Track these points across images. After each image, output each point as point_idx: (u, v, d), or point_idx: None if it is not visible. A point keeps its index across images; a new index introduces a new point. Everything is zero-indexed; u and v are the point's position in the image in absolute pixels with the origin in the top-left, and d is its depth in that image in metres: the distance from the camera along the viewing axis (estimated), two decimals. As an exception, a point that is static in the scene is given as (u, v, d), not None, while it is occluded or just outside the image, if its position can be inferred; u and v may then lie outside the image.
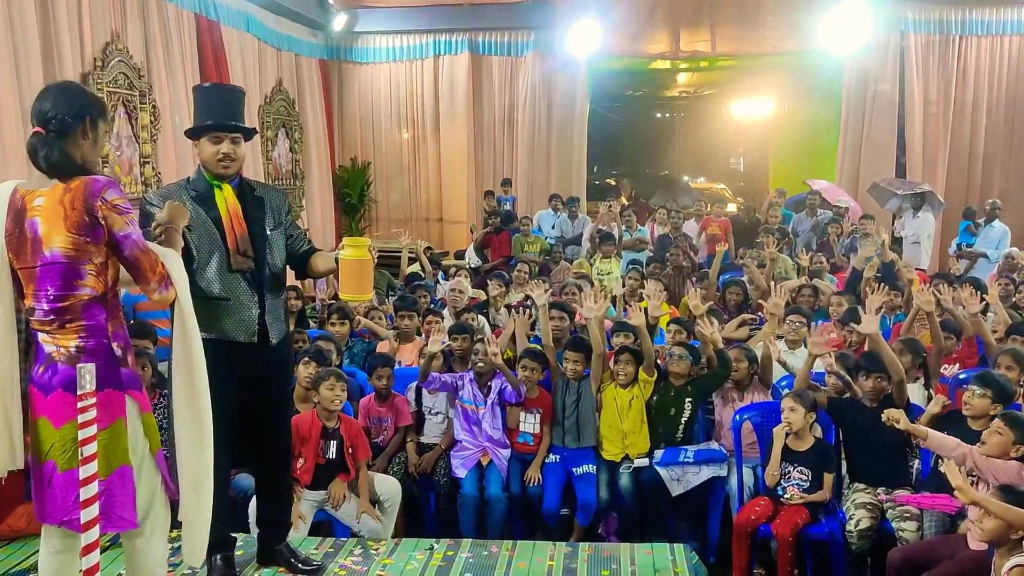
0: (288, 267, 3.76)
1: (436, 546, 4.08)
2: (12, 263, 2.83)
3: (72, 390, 2.73)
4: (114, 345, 2.82)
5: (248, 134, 3.57)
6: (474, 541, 4.22)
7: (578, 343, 5.40)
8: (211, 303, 3.42)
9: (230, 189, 3.52)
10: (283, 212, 3.69)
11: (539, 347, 5.62)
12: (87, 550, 2.30)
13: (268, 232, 3.57)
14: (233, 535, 3.86)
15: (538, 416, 5.24)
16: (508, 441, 5.21)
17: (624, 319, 6.30)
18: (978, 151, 12.69)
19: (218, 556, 3.66)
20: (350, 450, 4.59)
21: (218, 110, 3.50)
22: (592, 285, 7.56)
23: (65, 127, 2.80)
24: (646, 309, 5.37)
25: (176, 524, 3.02)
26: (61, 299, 2.77)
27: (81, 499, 2.32)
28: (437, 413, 5.39)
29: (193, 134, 3.52)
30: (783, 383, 5.39)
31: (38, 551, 3.84)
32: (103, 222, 2.74)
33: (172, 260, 2.90)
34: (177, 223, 3.06)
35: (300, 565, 3.83)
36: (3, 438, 2.86)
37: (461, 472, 5.04)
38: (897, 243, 10.63)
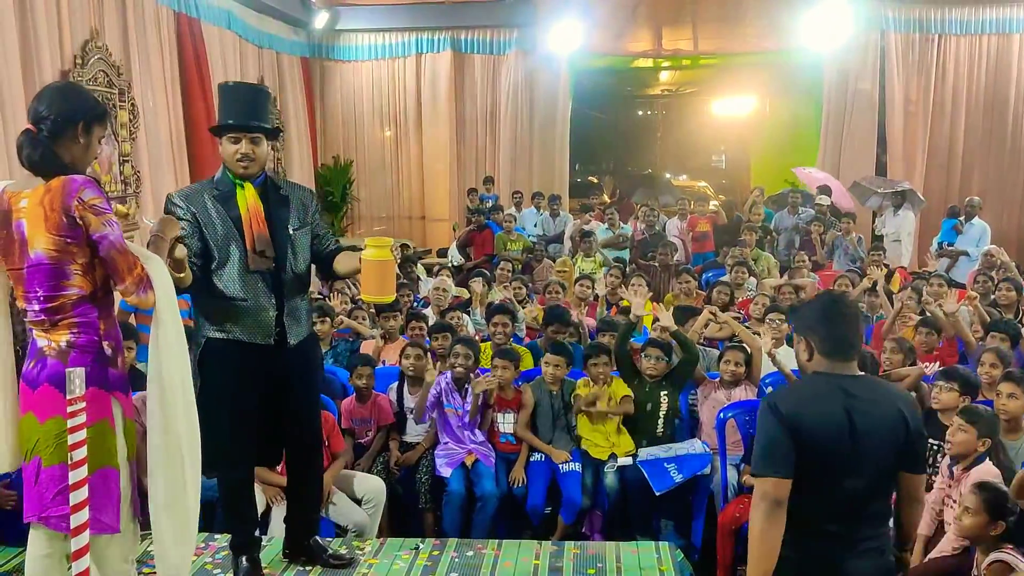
0: (315, 267, 3.75)
1: (421, 546, 4.07)
2: (2, 265, 2.82)
3: (58, 385, 2.73)
4: (105, 344, 2.81)
5: (269, 133, 3.53)
6: (460, 540, 4.21)
7: (559, 348, 5.42)
8: (229, 303, 3.40)
9: (252, 188, 3.49)
10: (310, 211, 3.67)
11: (513, 347, 5.64)
12: (78, 555, 2.27)
13: (292, 232, 3.54)
14: (259, 535, 3.87)
15: (514, 416, 5.22)
16: (491, 444, 5.20)
17: (607, 317, 6.33)
18: (957, 149, 12.80)
19: (244, 558, 3.66)
20: (327, 441, 4.58)
21: (238, 110, 3.46)
22: (565, 289, 7.57)
23: (57, 129, 2.78)
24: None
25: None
26: (51, 299, 2.77)
27: (71, 503, 2.30)
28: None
29: (215, 132, 3.49)
30: (767, 380, 5.41)
31: (15, 556, 3.87)
32: (80, 222, 2.70)
33: (156, 266, 2.84)
34: (166, 234, 3.04)
35: (331, 560, 3.85)
36: (1, 439, 2.90)
37: (446, 471, 5.02)
38: (878, 240, 10.71)
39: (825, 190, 11.41)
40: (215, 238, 3.39)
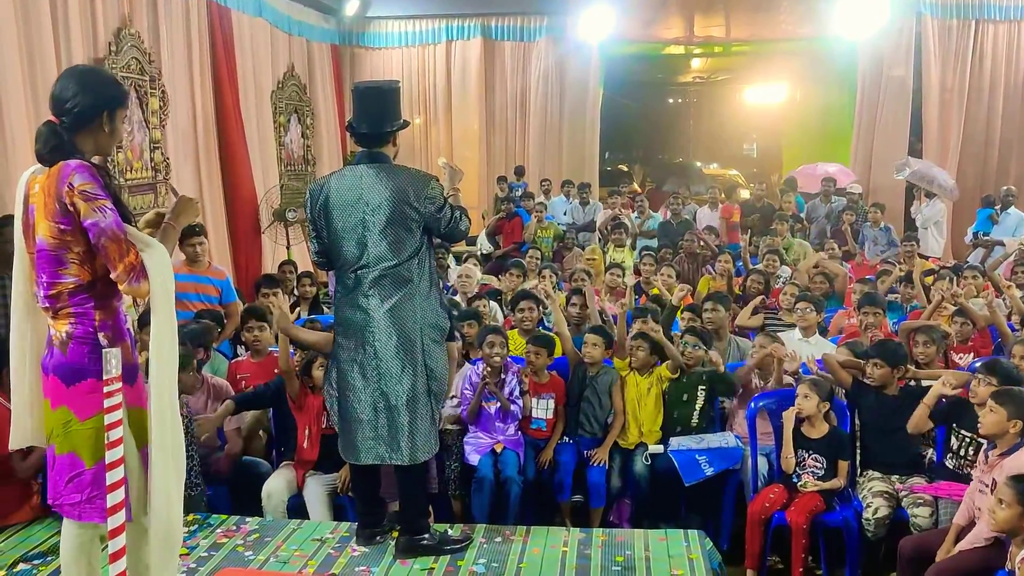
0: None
1: (451, 531, 4.08)
2: (26, 250, 2.85)
3: (62, 376, 2.76)
4: (100, 335, 2.78)
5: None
6: (488, 526, 4.21)
7: (599, 329, 5.40)
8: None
9: None
10: None
11: (547, 333, 5.62)
12: (113, 534, 2.30)
13: None
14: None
15: (551, 401, 5.21)
16: (522, 436, 5.19)
17: (642, 306, 6.31)
18: (994, 137, 12.59)
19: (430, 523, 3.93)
20: None
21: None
22: (591, 277, 7.51)
23: (82, 121, 2.78)
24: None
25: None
26: (51, 287, 2.77)
27: (107, 483, 2.32)
28: (452, 396, 5.34)
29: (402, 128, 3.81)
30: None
31: (54, 534, 3.93)
32: (71, 209, 2.67)
33: (157, 255, 2.76)
34: (179, 222, 3.02)
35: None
36: (21, 415, 2.94)
37: (474, 458, 5.02)
38: (912, 228, 10.62)
39: (829, 182, 11.23)
40: None
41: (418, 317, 3.62)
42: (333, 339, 3.87)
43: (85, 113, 2.78)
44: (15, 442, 3.02)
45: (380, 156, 3.69)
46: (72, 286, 2.76)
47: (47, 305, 2.80)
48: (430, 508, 4.12)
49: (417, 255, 3.63)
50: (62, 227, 2.71)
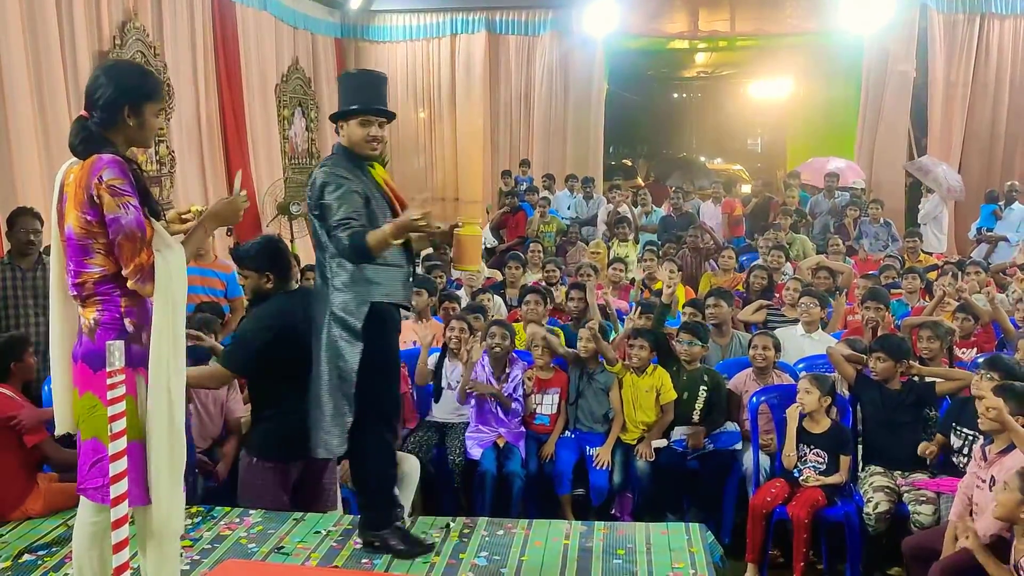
0: None
1: (452, 524, 4.07)
2: (60, 237, 2.89)
3: (89, 362, 2.79)
4: (127, 321, 2.81)
5: (390, 117, 3.68)
6: (490, 519, 4.20)
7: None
8: (389, 269, 3.59)
9: (380, 166, 3.71)
10: None
11: (553, 327, 5.64)
12: (116, 524, 2.31)
13: None
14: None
15: (555, 396, 5.23)
16: (524, 429, 5.21)
17: (643, 300, 6.31)
18: (999, 132, 12.57)
19: (396, 525, 3.77)
20: None
21: (370, 95, 3.62)
22: (597, 272, 7.51)
23: (106, 115, 2.80)
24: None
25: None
26: (78, 275, 2.81)
27: (111, 474, 2.33)
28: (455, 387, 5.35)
29: (341, 117, 3.61)
30: (800, 366, 5.37)
31: (59, 526, 3.95)
32: (98, 201, 2.71)
33: (172, 259, 2.80)
34: (210, 225, 3.04)
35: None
36: (63, 401, 2.98)
37: (476, 452, 5.04)
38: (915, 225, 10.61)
39: (833, 177, 11.23)
40: (381, 209, 3.57)
41: (328, 314, 3.53)
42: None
43: (108, 105, 2.80)
44: (60, 428, 3.05)
45: (335, 145, 3.69)
46: (98, 276, 2.80)
47: (75, 293, 2.84)
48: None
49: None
50: (88, 218, 2.74)
